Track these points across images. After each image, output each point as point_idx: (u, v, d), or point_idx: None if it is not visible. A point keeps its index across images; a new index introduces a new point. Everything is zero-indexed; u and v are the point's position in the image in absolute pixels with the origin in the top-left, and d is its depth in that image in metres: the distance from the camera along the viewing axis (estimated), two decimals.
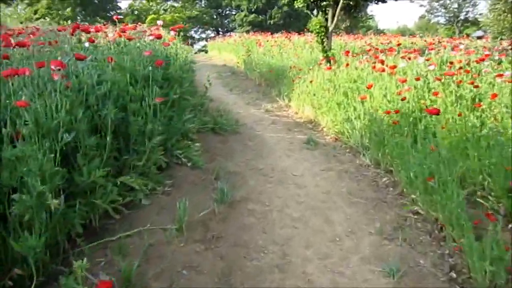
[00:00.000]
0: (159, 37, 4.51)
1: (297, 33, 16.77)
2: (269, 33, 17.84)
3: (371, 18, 38.14)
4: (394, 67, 4.90)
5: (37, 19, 35.66)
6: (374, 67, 5.32)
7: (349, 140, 4.98)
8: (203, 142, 4.58)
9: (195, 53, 29.63)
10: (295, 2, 9.68)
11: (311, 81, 6.39)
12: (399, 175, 3.78)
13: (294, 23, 40.03)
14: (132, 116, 2.94)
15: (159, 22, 5.95)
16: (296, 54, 10.40)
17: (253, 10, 40.24)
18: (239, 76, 10.74)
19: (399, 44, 7.31)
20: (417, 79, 4.47)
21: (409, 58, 5.48)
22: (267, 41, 13.92)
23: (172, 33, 5.55)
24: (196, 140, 4.37)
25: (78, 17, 37.00)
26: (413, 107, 4.24)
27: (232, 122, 5.55)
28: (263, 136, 5.30)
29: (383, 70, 5.01)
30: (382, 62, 5.31)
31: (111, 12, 40.05)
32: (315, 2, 9.17)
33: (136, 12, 39.63)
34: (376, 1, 9.35)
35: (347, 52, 6.37)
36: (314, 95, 6.16)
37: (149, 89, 3.23)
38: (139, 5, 40.48)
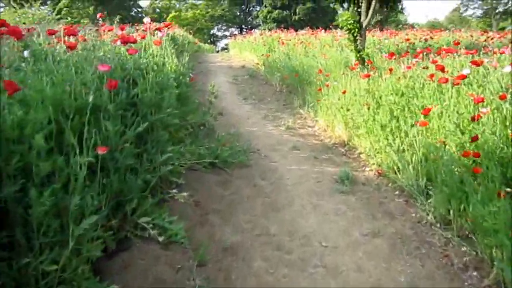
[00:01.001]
0: (132, 41, 3.22)
1: (323, 30, 15.29)
2: (293, 30, 16.40)
3: (402, 11, 36.12)
4: (463, 77, 3.47)
5: (59, 18, 35.27)
6: (431, 76, 3.89)
7: (397, 176, 3.60)
8: (195, 186, 3.28)
9: (217, 51, 28.48)
10: None
11: (343, 92, 5.00)
12: (487, 252, 2.41)
13: (320, 18, 38.48)
14: (35, 189, 1.65)
15: (146, 20, 4.67)
16: (323, 53, 8.98)
17: (277, 6, 38.82)
18: (258, 80, 9.40)
19: (457, 43, 5.80)
20: (502, 98, 3.04)
21: (477, 64, 3.99)
22: (290, 39, 12.52)
23: (159, 33, 4.28)
24: (183, 186, 3.08)
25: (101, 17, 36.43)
26: (499, 141, 2.83)
27: (241, 149, 4.23)
28: (280, 170, 3.95)
29: (446, 81, 3.58)
30: (442, 68, 3.86)
31: (132, 11, 39.37)
32: None
33: (157, 11, 38.79)
34: None
35: (391, 54, 4.95)
36: (348, 110, 4.78)
37: (88, 129, 1.95)
38: (160, 3, 39.61)
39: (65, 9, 33.72)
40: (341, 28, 8.02)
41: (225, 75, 9.90)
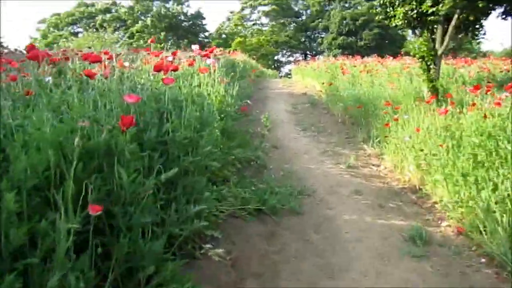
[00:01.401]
0: (173, 69, 2.83)
1: (391, 57, 14.51)
2: (359, 56, 15.74)
3: (483, 38, 34.17)
4: None
5: (130, 43, 37.07)
6: None
7: (483, 237, 2.89)
8: (234, 238, 2.78)
9: (280, 77, 28.30)
10: (392, 19, 7.59)
11: (417, 130, 4.33)
12: None
13: (388, 45, 37.34)
14: None
15: (194, 47, 4.34)
16: (391, 82, 8.29)
17: (342, 32, 38.29)
18: (319, 109, 8.85)
19: None
20: None
21: None
22: (354, 66, 11.90)
23: (209, 61, 3.91)
24: (219, 240, 2.59)
25: (169, 41, 37.79)
26: None
27: (293, 192, 3.70)
28: (338, 221, 3.36)
29: None
30: None
31: (200, 36, 40.54)
32: (419, 18, 7.08)
33: (223, 36, 39.62)
34: (504, 15, 7.00)
35: (476, 87, 4.23)
36: (421, 150, 4.11)
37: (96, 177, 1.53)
38: (227, 29, 40.45)
39: (137, 34, 35.38)
40: (413, 56, 7.36)
41: (285, 103, 9.46)
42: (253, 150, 4.43)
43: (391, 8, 7.54)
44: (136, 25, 37.25)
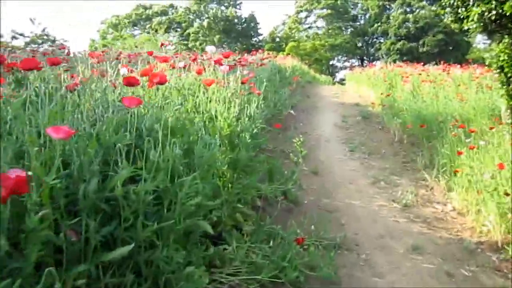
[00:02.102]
0: (160, 81, 2.00)
1: (458, 65, 13.03)
2: (421, 63, 14.35)
3: None
4: None
5: (186, 45, 37.23)
6: None
7: None
8: None
9: (334, 83, 27.05)
10: (464, 22, 6.39)
11: (499, 166, 3.26)
12: None
13: (452, 52, 35.02)
14: None
15: (209, 48, 3.52)
16: (459, 95, 7.11)
17: (402, 36, 36.38)
18: (372, 123, 7.77)
19: None
20: None
21: None
22: (416, 74, 10.64)
23: (226, 67, 3.07)
24: None
25: (224, 44, 37.54)
26: None
27: (328, 246, 2.77)
28: None
29: None
30: None
31: (253, 39, 40.00)
32: (498, 21, 5.89)
33: (277, 40, 38.82)
34: None
35: None
36: (507, 195, 3.05)
37: None
38: (280, 32, 39.62)
39: (192, 35, 35.40)
40: (488, 65, 6.21)
41: (334, 114, 8.46)
42: (283, 180, 3.54)
43: (463, 9, 6.37)
44: (191, 27, 37.34)
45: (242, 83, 4.79)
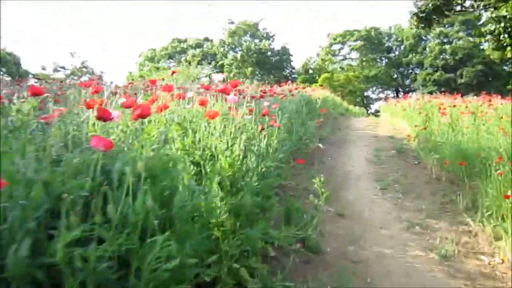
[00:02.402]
0: (141, 113, 1.69)
1: (499, 96, 12.31)
2: (459, 94, 13.69)
3: None
4: None
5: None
6: None
7: None
8: None
9: (368, 115, 26.43)
10: (508, 49, 5.96)
11: None
12: None
13: (491, 83, 33.89)
14: None
15: (216, 77, 3.22)
16: (503, 128, 6.52)
17: (439, 67, 35.53)
18: (408, 158, 7.23)
19: None
20: None
21: None
22: (454, 106, 10.04)
23: (234, 97, 2.75)
24: None
25: (257, 76, 37.77)
26: None
27: None
28: None
29: None
30: None
31: (285, 71, 40.10)
32: None
33: (310, 72, 38.78)
34: None
35: None
36: None
37: None
38: (313, 64, 39.59)
39: (226, 67, 35.87)
40: None
41: (366, 148, 7.98)
42: (302, 224, 3.12)
43: (505, 35, 5.91)
44: (225, 58, 37.87)
45: (263, 115, 4.45)
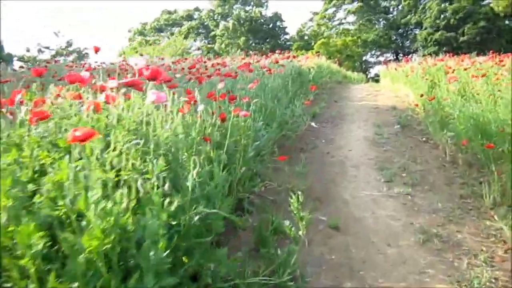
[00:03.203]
0: None
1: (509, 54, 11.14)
2: (465, 55, 12.53)
3: None
4: None
5: (212, 48, 36.24)
6: None
7: None
8: None
9: (368, 81, 25.17)
10: None
11: None
12: None
13: (495, 40, 32.41)
14: None
15: (135, 61, 2.21)
16: None
17: (440, 26, 33.97)
18: (414, 134, 6.23)
19: None
20: None
21: None
22: (465, 69, 8.94)
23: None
24: None
25: (251, 46, 36.27)
26: None
27: None
28: None
29: None
30: None
31: (280, 39, 38.54)
32: None
33: (305, 38, 37.20)
34: None
35: None
36: None
37: None
38: (308, 30, 37.96)
39: (217, 38, 34.46)
40: None
41: (365, 124, 6.96)
42: (276, 265, 2.17)
43: None
44: (216, 29, 36.28)
45: (230, 100, 3.46)
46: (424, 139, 5.96)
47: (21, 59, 27.37)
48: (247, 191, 3.21)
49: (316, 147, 5.36)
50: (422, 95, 7.29)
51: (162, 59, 8.97)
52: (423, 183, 4.13)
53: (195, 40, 39.53)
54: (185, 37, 31.67)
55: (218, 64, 8.14)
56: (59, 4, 69.62)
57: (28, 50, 30.09)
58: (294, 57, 9.46)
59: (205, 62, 8.48)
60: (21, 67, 11.71)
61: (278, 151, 4.75)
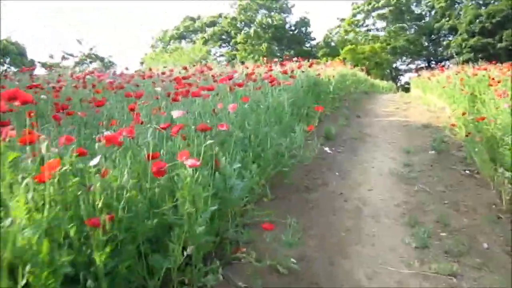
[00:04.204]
0: None
1: None
2: (501, 63, 10.95)
3: None
4: None
5: (234, 55, 35.23)
6: None
7: None
8: None
9: (397, 89, 23.57)
10: None
11: None
12: None
13: None
14: None
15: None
16: None
17: (475, 31, 32.02)
18: (454, 165, 4.92)
19: None
20: None
21: None
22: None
23: None
24: None
25: (274, 52, 35.10)
26: None
27: None
28: None
29: None
30: None
31: (306, 45, 37.27)
32: None
33: (332, 44, 35.79)
34: None
35: None
36: None
37: None
38: (335, 36, 36.53)
39: (239, 45, 33.51)
40: None
41: (392, 149, 5.69)
42: None
43: None
44: (239, 35, 35.29)
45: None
46: (467, 171, 4.65)
47: (44, 65, 27.06)
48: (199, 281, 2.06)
49: (326, 183, 4.14)
50: (464, 114, 5.95)
51: (165, 67, 7.92)
52: (472, 251, 2.85)
53: (220, 46, 38.75)
54: (205, 44, 30.78)
55: (221, 74, 7.02)
56: (59, 4, 70.15)
57: (51, 57, 29.81)
58: (310, 65, 8.21)
59: (202, 71, 7.38)
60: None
61: (272, 192, 3.58)
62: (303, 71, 7.10)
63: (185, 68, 8.11)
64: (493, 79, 7.75)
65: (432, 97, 11.36)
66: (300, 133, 3.64)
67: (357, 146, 5.79)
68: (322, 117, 7.31)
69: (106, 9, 78.67)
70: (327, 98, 8.11)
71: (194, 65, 14.36)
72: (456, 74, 9.50)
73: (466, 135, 5.24)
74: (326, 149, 5.28)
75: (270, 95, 4.44)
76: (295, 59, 9.05)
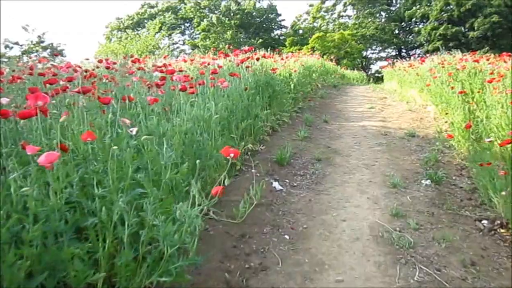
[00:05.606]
0: None
1: None
2: (507, 54, 9.41)
3: None
4: None
5: (195, 44, 33.02)
6: None
7: None
8: None
9: (368, 81, 22.10)
10: None
11: None
12: None
13: (505, 36, 29.30)
14: None
15: None
16: None
17: (445, 20, 30.85)
18: (462, 206, 3.29)
19: None
20: None
21: None
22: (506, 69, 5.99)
23: None
24: None
25: (241, 40, 33.10)
26: None
27: None
28: None
29: None
30: None
31: (274, 33, 35.46)
32: None
33: (300, 32, 34.03)
34: None
35: None
36: None
37: None
38: (303, 23, 34.80)
39: (202, 33, 31.27)
40: None
41: (371, 179, 4.01)
42: None
43: None
44: (202, 23, 33.02)
45: None
46: (484, 222, 3.02)
47: None
48: None
49: (265, 267, 2.41)
50: (469, 127, 4.30)
51: (107, 60, 6.00)
52: None
53: (182, 34, 36.45)
54: (159, 31, 28.50)
55: (139, 68, 5.17)
56: (58, 4, 66.30)
57: None
58: (258, 58, 6.21)
59: (114, 63, 5.53)
60: None
61: None
62: (248, 66, 5.31)
63: (101, 61, 6.13)
64: (491, 73, 6.20)
65: (411, 92, 9.82)
66: (198, 195, 1.84)
67: (321, 174, 4.07)
68: (278, 126, 5.59)
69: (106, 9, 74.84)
70: (286, 100, 6.38)
71: (146, 56, 12.43)
72: (442, 66, 7.93)
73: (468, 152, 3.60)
74: (275, 184, 3.55)
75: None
76: (245, 48, 7.22)
